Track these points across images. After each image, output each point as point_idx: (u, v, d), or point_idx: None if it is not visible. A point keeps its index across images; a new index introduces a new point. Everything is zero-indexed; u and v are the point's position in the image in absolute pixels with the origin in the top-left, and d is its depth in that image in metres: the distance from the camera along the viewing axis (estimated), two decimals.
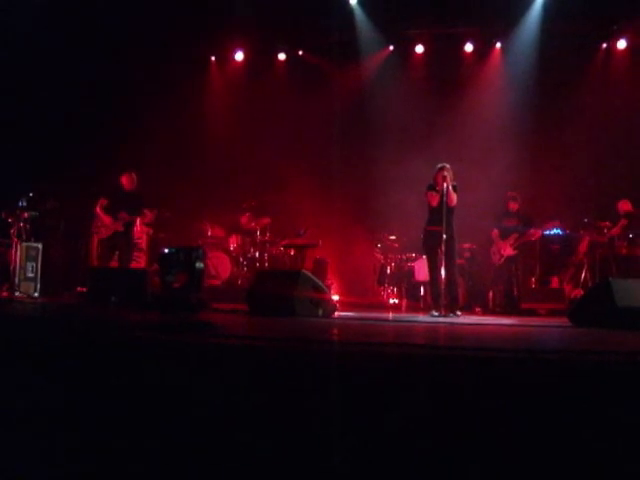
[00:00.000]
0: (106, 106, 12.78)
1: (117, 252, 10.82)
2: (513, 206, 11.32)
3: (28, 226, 10.63)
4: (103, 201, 10.77)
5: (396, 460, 2.47)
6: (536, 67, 12.71)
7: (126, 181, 10.87)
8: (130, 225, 10.91)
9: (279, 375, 3.17)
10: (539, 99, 12.51)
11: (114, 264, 10.77)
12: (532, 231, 11.07)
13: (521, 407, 2.77)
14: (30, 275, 10.66)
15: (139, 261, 12.07)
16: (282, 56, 14.44)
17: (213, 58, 14.77)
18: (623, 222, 11.17)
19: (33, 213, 10.73)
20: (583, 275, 11.54)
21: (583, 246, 11.63)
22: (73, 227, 12.13)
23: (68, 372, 3.25)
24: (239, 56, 14.50)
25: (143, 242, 12.34)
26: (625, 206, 11.28)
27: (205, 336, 4.50)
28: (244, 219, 12.93)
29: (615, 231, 11.20)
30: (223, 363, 3.42)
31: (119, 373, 3.25)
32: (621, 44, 12.93)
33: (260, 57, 14.43)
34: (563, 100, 12.48)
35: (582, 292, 10.68)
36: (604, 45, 13.13)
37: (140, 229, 11.96)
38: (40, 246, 10.84)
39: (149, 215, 11.35)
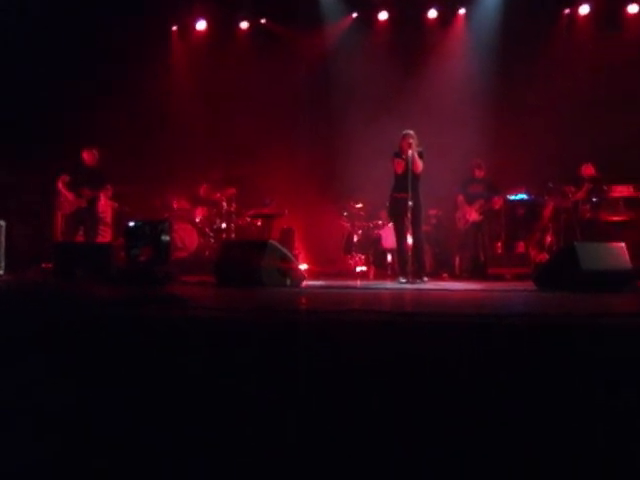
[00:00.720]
0: (65, 80, 12.55)
1: (82, 227, 10.75)
2: (479, 173, 11.42)
3: None
4: (65, 177, 10.71)
5: (360, 430, 2.48)
6: (500, 33, 12.75)
7: (87, 157, 10.82)
8: (94, 200, 10.85)
9: (248, 345, 3.17)
10: (503, 65, 12.53)
11: (79, 239, 10.69)
12: (495, 199, 11.21)
13: (489, 371, 2.79)
14: None
15: (105, 235, 11.95)
16: (245, 25, 14.28)
17: (175, 28, 14.56)
18: (587, 186, 11.28)
19: None
20: (548, 240, 11.66)
21: (548, 211, 11.73)
22: (36, 203, 11.99)
23: (31, 350, 3.22)
24: (201, 25, 14.32)
25: (108, 216, 12.21)
26: (588, 170, 11.38)
27: (172, 309, 4.48)
28: (202, 190, 12.87)
29: (579, 196, 11.31)
30: (191, 335, 3.40)
31: (85, 348, 3.22)
32: (583, 9, 13.02)
33: (222, 26, 14.27)
34: (527, 66, 12.51)
35: (547, 256, 10.81)
36: (567, 11, 13.19)
37: (105, 203, 11.84)
38: (3, 223, 10.68)
39: (111, 190, 11.24)
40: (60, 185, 10.71)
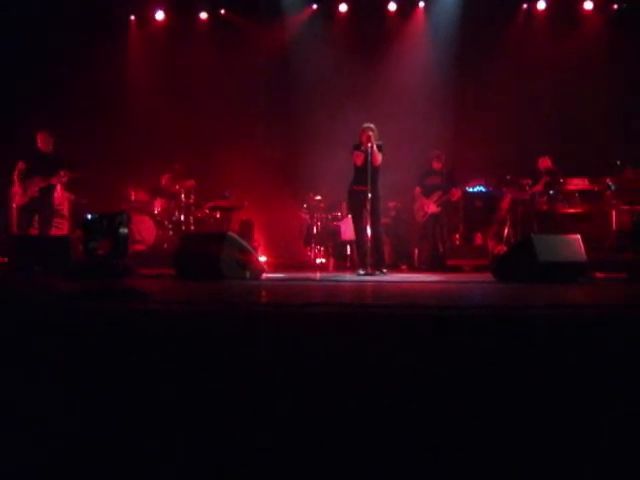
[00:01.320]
0: (23, 66, 12.34)
1: (36, 218, 10.48)
2: (437, 165, 11.50)
3: None
4: (20, 165, 10.36)
5: (324, 425, 2.49)
6: (459, 27, 12.85)
7: (41, 141, 10.50)
8: (47, 189, 10.53)
9: (206, 339, 3.15)
10: (462, 58, 12.65)
11: (34, 231, 10.46)
12: (453, 191, 11.30)
13: (448, 363, 2.82)
14: None
15: (61, 228, 11.76)
16: (204, 15, 14.18)
17: (133, 17, 14.41)
18: (544, 179, 11.43)
19: None
20: (506, 231, 11.80)
21: (505, 203, 11.87)
22: None
23: None
24: (160, 15, 14.20)
25: (65, 208, 12.00)
26: (545, 163, 11.54)
27: (132, 302, 4.44)
28: (164, 180, 12.75)
29: (537, 188, 11.46)
30: (149, 329, 3.37)
31: (42, 342, 3.18)
32: (540, 5, 13.23)
33: (181, 16, 14.15)
34: (485, 59, 12.62)
35: (505, 248, 10.93)
36: (524, 6, 13.36)
37: (61, 195, 11.66)
38: None
39: (66, 176, 10.76)
40: (15, 175, 10.36)
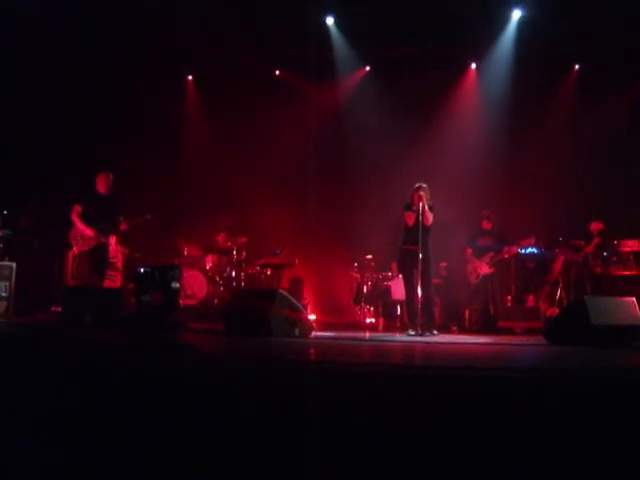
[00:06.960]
0: (78, 119, 12.65)
1: (97, 267, 9.97)
2: (487, 225, 11.38)
3: (1, 245, 10.43)
4: (78, 208, 9.82)
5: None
6: (510, 87, 12.81)
7: (102, 183, 9.95)
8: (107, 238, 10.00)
9: (254, 396, 3.15)
10: (514, 118, 12.61)
11: (93, 279, 9.92)
12: (507, 248, 11.13)
13: (500, 425, 2.77)
14: (3, 295, 10.47)
15: (115, 280, 11.91)
16: (259, 76, 14.43)
17: (190, 77, 14.77)
18: (596, 241, 11.28)
19: (6, 232, 10.53)
20: (558, 293, 11.61)
21: (558, 265, 11.72)
22: (47, 244, 11.83)
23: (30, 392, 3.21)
24: (216, 75, 14.50)
25: (119, 261, 12.17)
26: (597, 226, 11.40)
27: (180, 356, 4.47)
28: (220, 238, 12.86)
29: (589, 249, 11.30)
30: (198, 384, 3.39)
31: (89, 393, 3.21)
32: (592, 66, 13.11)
33: (237, 76, 14.42)
34: (537, 120, 12.61)
35: (557, 310, 10.74)
36: (577, 66, 13.29)
37: (116, 248, 11.80)
38: (14, 265, 10.62)
39: (125, 226, 10.12)
40: (75, 217, 9.78)
